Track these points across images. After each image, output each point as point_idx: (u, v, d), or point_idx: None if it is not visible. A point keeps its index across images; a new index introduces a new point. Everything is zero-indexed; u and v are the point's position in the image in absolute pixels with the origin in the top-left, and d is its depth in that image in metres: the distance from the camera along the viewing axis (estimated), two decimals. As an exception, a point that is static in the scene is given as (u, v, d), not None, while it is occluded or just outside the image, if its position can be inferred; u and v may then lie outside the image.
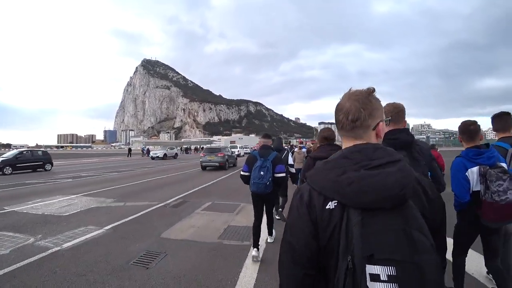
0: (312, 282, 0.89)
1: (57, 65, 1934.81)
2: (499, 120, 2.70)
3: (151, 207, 7.20)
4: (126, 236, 5.02)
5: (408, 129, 2.14)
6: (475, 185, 2.31)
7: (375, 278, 0.71)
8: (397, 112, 2.03)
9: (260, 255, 4.03)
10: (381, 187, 0.78)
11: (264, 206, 4.16)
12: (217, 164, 17.75)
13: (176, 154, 41.09)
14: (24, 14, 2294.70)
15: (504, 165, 2.31)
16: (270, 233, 4.68)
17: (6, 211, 7.03)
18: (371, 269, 0.71)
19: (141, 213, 6.65)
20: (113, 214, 6.62)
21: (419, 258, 0.71)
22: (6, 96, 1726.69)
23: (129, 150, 49.39)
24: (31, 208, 7.30)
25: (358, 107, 0.91)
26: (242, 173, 4.18)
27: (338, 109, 0.96)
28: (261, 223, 4.09)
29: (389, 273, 0.70)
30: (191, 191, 9.67)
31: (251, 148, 36.72)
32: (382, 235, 0.74)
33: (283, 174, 4.01)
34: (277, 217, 5.63)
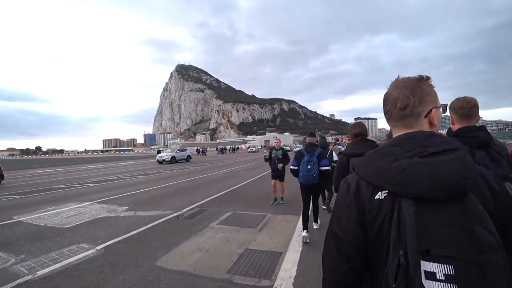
0: (358, 277, 0.85)
1: (100, 76, 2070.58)
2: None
3: (162, 218, 6.14)
4: (115, 261, 3.94)
5: (485, 127, 1.90)
6: None
7: (430, 276, 0.65)
8: (471, 107, 1.85)
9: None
10: (436, 175, 0.71)
11: (311, 197, 4.74)
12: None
13: (189, 156, 31.69)
14: (70, 31, 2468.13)
15: None
16: (315, 221, 5.16)
17: (12, 221, 6.54)
18: (426, 265, 0.66)
19: (148, 226, 5.59)
20: (116, 227, 5.65)
21: (483, 257, 0.64)
22: (58, 107, 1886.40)
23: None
24: (38, 218, 6.71)
25: (406, 94, 0.86)
26: (291, 167, 4.78)
27: (385, 98, 0.92)
28: (308, 211, 4.59)
29: (447, 272, 0.64)
30: (214, 197, 8.57)
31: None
32: (439, 229, 0.68)
33: (328, 168, 4.47)
34: (323, 207, 6.23)
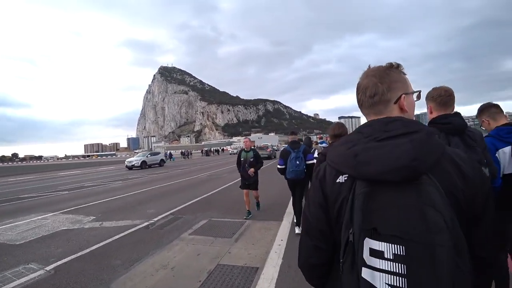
0: (325, 256, 0.90)
1: (80, 79, 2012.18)
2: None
3: (130, 229, 5.52)
4: (63, 285, 3.36)
5: (460, 113, 1.94)
6: (507, 167, 2.08)
7: (378, 254, 0.67)
8: (448, 95, 1.90)
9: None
10: (388, 158, 0.73)
11: (298, 193, 4.84)
12: (266, 155, 25.45)
13: (162, 160, 28.86)
14: (49, 34, 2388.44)
15: None
16: (298, 224, 4.84)
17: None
18: (373, 244, 0.68)
19: (112, 239, 4.98)
20: (76, 241, 5.00)
21: (431, 238, 0.64)
22: (37, 111, 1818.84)
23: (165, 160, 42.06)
24: (-8, 233, 5.90)
25: (375, 81, 0.88)
26: (278, 166, 4.97)
27: (357, 87, 0.94)
28: (302, 203, 4.66)
29: (396, 252, 0.65)
30: (191, 202, 7.97)
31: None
32: (390, 209, 0.69)
33: (314, 161, 4.74)
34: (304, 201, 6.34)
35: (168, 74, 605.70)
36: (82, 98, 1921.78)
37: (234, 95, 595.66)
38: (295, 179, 4.66)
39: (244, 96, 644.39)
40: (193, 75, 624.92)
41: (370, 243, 0.68)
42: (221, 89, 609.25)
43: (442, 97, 1.90)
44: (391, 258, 0.65)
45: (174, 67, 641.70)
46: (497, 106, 2.32)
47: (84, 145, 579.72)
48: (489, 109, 2.34)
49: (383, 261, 0.66)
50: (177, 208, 7.14)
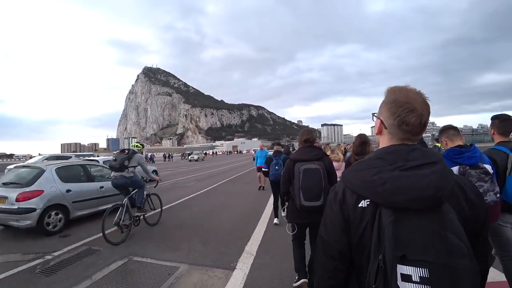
0: (343, 277, 0.93)
1: (59, 76, 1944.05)
2: (507, 124, 2.49)
3: (4, 273, 3.69)
4: None
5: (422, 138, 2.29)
6: None
7: (407, 278, 0.71)
8: None
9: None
10: (414, 188, 0.77)
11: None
12: None
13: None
14: (26, 26, 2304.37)
15: (487, 166, 2.19)
16: (283, 210, 5.38)
17: None
18: (402, 269, 0.72)
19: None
20: None
21: (453, 262, 0.70)
22: (11, 108, 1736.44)
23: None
24: None
25: (428, 112, 0.90)
26: (263, 169, 7.48)
27: (409, 109, 0.89)
28: (278, 201, 5.75)
29: (421, 275, 0.70)
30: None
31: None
32: (415, 236, 0.74)
33: None
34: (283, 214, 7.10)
35: (152, 75, 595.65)
36: (60, 95, 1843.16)
37: (219, 99, 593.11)
38: (275, 180, 5.82)
39: (228, 100, 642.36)
40: (178, 77, 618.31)
41: (400, 269, 0.72)
42: (206, 93, 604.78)
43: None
44: (418, 281, 0.70)
45: (159, 68, 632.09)
46: (455, 129, 2.49)
47: (61, 144, 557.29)
48: (447, 131, 2.50)
49: (411, 284, 0.70)
50: (97, 235, 5.13)
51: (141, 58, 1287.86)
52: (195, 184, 13.43)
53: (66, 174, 6.18)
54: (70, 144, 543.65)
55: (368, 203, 0.85)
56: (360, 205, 0.87)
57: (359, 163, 0.95)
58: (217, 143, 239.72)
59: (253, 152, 45.05)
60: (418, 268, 0.70)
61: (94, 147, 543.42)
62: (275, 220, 5.76)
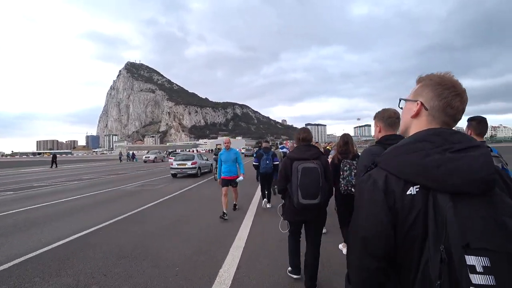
0: (384, 276, 0.83)
1: (35, 70, 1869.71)
2: (482, 125, 2.66)
3: None
4: None
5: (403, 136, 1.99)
6: None
7: (472, 269, 0.65)
8: (396, 117, 2.10)
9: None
10: (470, 170, 0.73)
11: (267, 183, 7.29)
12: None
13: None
14: None
15: None
16: (269, 201, 7.15)
17: None
18: (468, 259, 0.66)
19: None
20: None
21: None
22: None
23: (54, 157, 32.06)
24: None
25: (467, 100, 0.90)
26: (254, 163, 8.21)
27: (456, 93, 0.88)
28: (265, 191, 7.24)
29: (485, 264, 0.65)
30: (67, 240, 4.90)
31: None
32: (474, 222, 0.69)
33: (278, 162, 7.21)
34: (272, 190, 7.72)
35: (135, 71, 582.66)
36: (36, 90, 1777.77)
37: (203, 97, 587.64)
38: (265, 172, 7.12)
39: (213, 98, 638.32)
40: (162, 73, 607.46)
41: (467, 259, 0.66)
42: (190, 90, 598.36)
43: (391, 119, 2.10)
44: (482, 271, 0.65)
45: (142, 64, 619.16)
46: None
47: (37, 141, 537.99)
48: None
49: (477, 276, 0.65)
50: (34, 253, 4.24)
51: (122, 53, 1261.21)
52: (166, 186, 11.96)
53: (199, 156, 16.93)
54: (47, 141, 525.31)
55: (417, 189, 0.78)
56: (408, 192, 0.79)
57: (396, 148, 0.87)
58: (201, 141, 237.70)
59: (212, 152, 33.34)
60: (480, 258, 0.65)
61: (72, 145, 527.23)
62: (268, 205, 6.97)
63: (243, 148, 65.50)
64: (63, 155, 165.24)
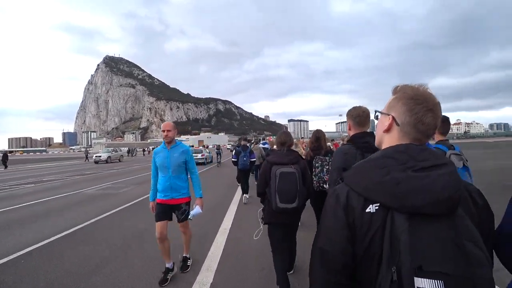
0: None
1: (3, 63, 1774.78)
2: (446, 124, 2.73)
3: None
4: None
5: (374, 132, 2.14)
6: None
7: None
8: (365, 116, 2.16)
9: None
10: (431, 190, 0.71)
11: (245, 177, 7.95)
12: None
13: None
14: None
15: None
16: (246, 193, 7.81)
17: None
18: (418, 282, 0.65)
19: None
20: None
21: (472, 272, 0.65)
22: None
23: (4, 157, 27.57)
24: None
25: (441, 115, 0.86)
26: (232, 159, 8.29)
27: (427, 108, 0.84)
28: (244, 185, 7.86)
29: (437, 287, 0.64)
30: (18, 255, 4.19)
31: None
32: (431, 245, 0.68)
33: (255, 159, 8.04)
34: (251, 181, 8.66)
35: (114, 65, 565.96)
36: (6, 84, 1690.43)
37: (185, 93, 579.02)
38: (243, 169, 7.70)
39: (195, 94, 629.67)
40: (142, 68, 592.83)
41: (416, 282, 0.65)
42: (172, 85, 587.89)
43: (360, 117, 2.16)
44: None
45: (122, 58, 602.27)
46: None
47: (8, 138, 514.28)
48: None
49: None
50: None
51: (100, 46, 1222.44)
52: (131, 190, 10.51)
53: (206, 150, 25.21)
54: (20, 138, 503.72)
55: (377, 207, 0.77)
56: (368, 210, 0.78)
57: (363, 163, 0.86)
58: (182, 137, 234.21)
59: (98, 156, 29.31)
60: (434, 281, 0.64)
61: (48, 142, 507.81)
62: (247, 196, 7.58)
63: (228, 144, 63.37)
64: (37, 153, 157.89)
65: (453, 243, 0.67)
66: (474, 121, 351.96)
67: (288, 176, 2.70)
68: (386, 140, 0.91)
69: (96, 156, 29.46)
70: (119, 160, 30.99)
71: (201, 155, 22.32)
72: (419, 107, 0.84)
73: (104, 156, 28.79)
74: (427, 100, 0.84)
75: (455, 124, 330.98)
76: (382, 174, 0.78)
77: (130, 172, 18.11)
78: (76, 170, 22.24)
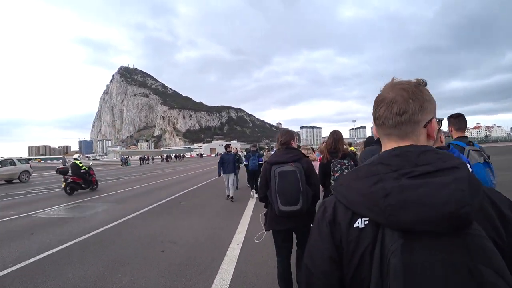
0: None
1: (24, 75, 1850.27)
2: (461, 120, 2.76)
3: None
4: None
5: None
6: None
7: None
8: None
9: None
10: (427, 203, 0.57)
11: (255, 178, 9.40)
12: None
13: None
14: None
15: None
16: (256, 192, 8.67)
17: None
18: None
19: None
20: None
21: None
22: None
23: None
24: None
25: (406, 97, 0.72)
26: (245, 163, 10.23)
27: (379, 101, 0.76)
28: (253, 184, 9.27)
29: None
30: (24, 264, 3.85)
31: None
32: (432, 270, 0.53)
33: (262, 161, 9.31)
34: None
35: (128, 75, 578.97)
36: (26, 95, 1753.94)
37: (198, 101, 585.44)
38: (252, 169, 9.54)
39: (207, 102, 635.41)
40: (155, 77, 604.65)
41: None
42: (184, 94, 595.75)
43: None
44: None
45: (136, 68, 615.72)
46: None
47: (29, 147, 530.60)
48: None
49: None
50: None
51: (112, 58, 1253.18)
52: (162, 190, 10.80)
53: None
54: (39, 146, 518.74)
55: (366, 222, 0.65)
56: (356, 225, 0.66)
57: (355, 169, 0.75)
58: (195, 145, 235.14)
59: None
60: None
61: (65, 150, 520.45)
62: (255, 195, 8.62)
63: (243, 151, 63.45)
64: (54, 161, 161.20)
65: (464, 269, 0.52)
66: (495, 125, 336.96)
67: (287, 174, 2.50)
68: (383, 146, 0.80)
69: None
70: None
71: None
72: (375, 105, 0.78)
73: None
74: (381, 93, 0.77)
75: (474, 128, 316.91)
76: (371, 183, 0.65)
77: (152, 178, 16.73)
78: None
